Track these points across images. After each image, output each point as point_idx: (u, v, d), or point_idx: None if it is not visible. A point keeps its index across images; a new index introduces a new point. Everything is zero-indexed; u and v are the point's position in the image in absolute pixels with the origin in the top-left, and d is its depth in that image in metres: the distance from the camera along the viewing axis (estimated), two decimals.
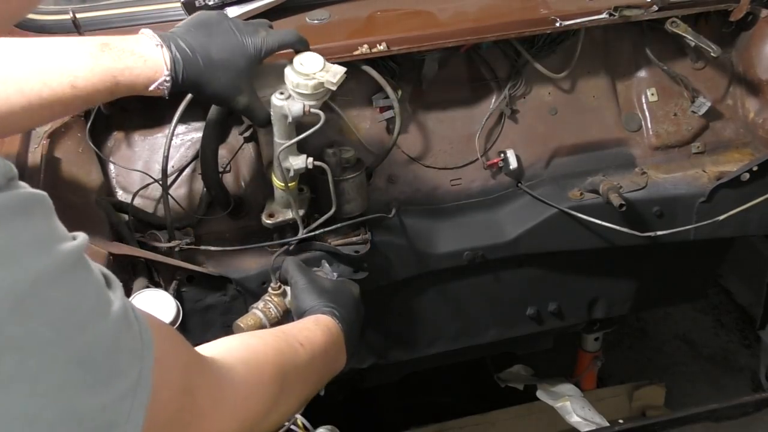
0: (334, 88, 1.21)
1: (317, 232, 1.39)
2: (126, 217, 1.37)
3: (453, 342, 1.80)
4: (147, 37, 1.11)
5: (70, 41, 1.07)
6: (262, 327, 1.27)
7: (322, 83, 1.21)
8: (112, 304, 0.61)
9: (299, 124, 1.26)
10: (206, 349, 0.83)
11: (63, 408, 0.55)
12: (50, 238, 0.58)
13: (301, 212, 1.39)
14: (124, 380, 0.60)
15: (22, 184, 0.57)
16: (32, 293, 0.53)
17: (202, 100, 1.22)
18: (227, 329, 1.42)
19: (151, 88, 1.09)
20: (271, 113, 1.24)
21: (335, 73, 1.21)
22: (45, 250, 0.56)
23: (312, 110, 1.22)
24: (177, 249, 1.38)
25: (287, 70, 1.22)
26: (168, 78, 1.09)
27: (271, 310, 1.29)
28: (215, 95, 1.17)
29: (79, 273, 0.59)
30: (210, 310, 1.42)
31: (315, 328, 1.11)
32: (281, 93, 1.22)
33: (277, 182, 1.34)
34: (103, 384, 0.58)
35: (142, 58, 1.08)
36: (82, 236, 0.61)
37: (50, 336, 0.54)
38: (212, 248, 1.42)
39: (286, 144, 1.25)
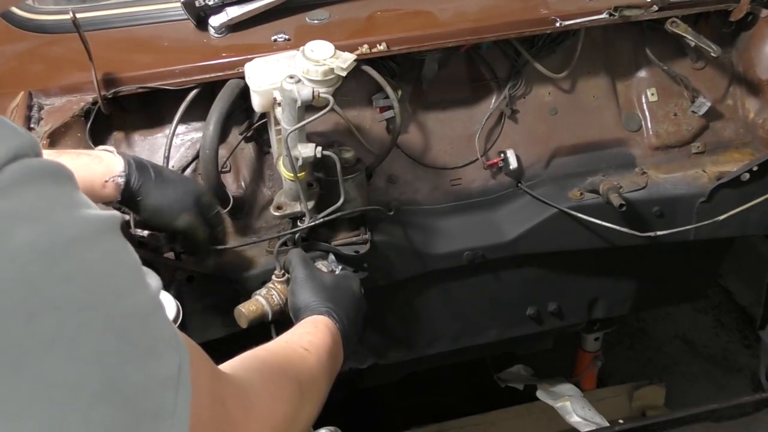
0: (344, 74, 1.23)
1: (320, 219, 1.35)
2: (126, 217, 1.37)
3: (453, 342, 1.80)
4: (106, 151, 1.24)
5: None
6: (264, 313, 1.27)
7: (333, 69, 1.21)
8: (150, 285, 0.61)
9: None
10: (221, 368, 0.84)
11: (104, 378, 0.53)
12: (84, 203, 0.56)
13: (310, 204, 1.36)
14: (164, 367, 0.59)
15: None
16: (70, 253, 0.52)
17: (146, 213, 1.25)
18: (227, 329, 1.42)
19: (106, 179, 1.19)
20: (281, 99, 1.23)
21: (345, 60, 1.22)
22: (81, 212, 0.55)
23: (321, 95, 1.22)
24: (178, 249, 1.38)
25: (297, 57, 1.23)
26: (122, 175, 1.20)
27: (273, 296, 1.28)
28: (160, 206, 1.24)
29: (117, 240, 0.58)
30: (210, 310, 1.42)
31: (315, 331, 1.11)
32: (291, 77, 1.21)
33: (286, 172, 1.31)
34: (140, 360, 0.57)
35: (98, 159, 1.21)
36: (114, 211, 0.61)
37: (87, 299, 0.53)
38: (212, 247, 1.41)
39: (294, 127, 1.23)
